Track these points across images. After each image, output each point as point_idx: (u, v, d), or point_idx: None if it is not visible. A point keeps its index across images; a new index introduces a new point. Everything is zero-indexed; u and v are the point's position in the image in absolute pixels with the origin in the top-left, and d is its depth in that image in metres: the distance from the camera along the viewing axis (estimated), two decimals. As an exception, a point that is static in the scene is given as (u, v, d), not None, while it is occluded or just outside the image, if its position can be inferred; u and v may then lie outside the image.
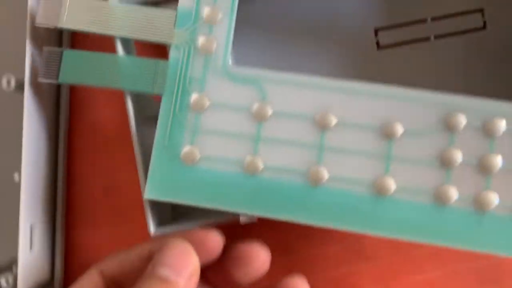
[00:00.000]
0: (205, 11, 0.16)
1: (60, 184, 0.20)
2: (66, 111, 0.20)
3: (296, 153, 0.16)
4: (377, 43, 0.19)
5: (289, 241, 0.20)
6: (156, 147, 0.16)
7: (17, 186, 0.17)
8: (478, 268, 0.20)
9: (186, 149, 0.16)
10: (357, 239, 0.20)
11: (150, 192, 0.16)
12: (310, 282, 0.20)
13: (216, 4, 0.16)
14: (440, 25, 0.19)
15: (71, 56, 0.17)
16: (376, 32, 0.19)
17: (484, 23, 0.19)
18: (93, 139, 0.20)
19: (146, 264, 0.15)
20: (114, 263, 0.16)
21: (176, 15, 0.16)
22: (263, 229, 0.20)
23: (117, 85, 0.16)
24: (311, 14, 0.20)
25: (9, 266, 0.18)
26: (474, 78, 0.19)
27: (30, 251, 0.19)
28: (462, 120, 0.15)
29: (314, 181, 0.16)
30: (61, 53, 0.17)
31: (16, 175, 0.17)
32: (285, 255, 0.20)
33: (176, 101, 0.16)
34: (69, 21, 0.17)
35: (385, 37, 0.19)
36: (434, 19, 0.19)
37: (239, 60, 0.19)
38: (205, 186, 0.16)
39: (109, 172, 0.20)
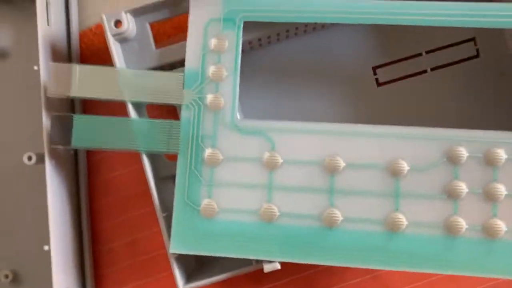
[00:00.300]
0: (211, 70, 0.17)
1: (86, 244, 0.21)
2: (85, 173, 0.21)
3: (309, 198, 0.17)
4: (377, 81, 0.20)
5: (312, 277, 0.21)
6: (176, 203, 0.17)
7: (48, 255, 0.18)
8: (495, 285, 0.20)
9: (205, 203, 0.17)
10: (376, 270, 0.21)
11: (174, 247, 0.17)
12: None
13: (220, 63, 0.17)
14: (435, 57, 0.20)
15: (82, 121, 0.18)
16: (374, 70, 0.20)
17: (477, 51, 0.20)
18: (113, 198, 0.21)
19: None
20: None
21: (183, 76, 0.18)
22: (277, 273, 0.20)
23: (133, 147, 0.17)
24: (311, 58, 0.20)
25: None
26: (473, 106, 0.20)
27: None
28: (464, 153, 0.16)
29: (329, 224, 0.16)
30: (72, 118, 0.18)
31: (46, 247, 0.18)
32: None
33: (191, 158, 0.17)
34: (80, 90, 0.17)
35: (384, 74, 0.20)
36: (428, 52, 0.20)
37: (247, 112, 0.20)
38: (226, 237, 0.17)
39: (131, 229, 0.21)
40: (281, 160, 0.17)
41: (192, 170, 0.17)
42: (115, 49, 0.18)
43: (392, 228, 0.16)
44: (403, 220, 0.16)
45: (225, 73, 0.17)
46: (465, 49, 0.20)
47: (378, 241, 0.16)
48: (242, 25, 0.18)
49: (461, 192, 0.16)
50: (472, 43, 0.20)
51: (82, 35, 0.22)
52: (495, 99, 0.20)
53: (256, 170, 0.17)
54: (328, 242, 0.16)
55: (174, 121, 0.17)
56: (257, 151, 0.17)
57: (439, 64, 0.20)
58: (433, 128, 0.16)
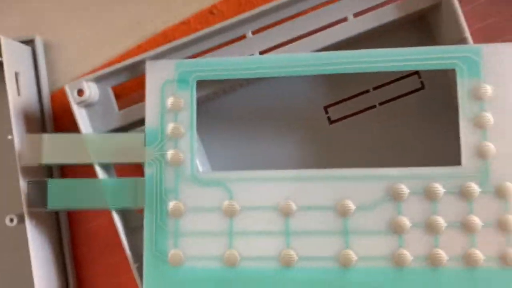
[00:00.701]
0: (169, 128, 0.19)
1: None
2: (66, 226, 0.23)
3: (266, 241, 0.18)
4: (329, 119, 0.22)
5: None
6: (146, 255, 0.18)
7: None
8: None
9: (171, 252, 0.18)
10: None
11: (147, 295, 0.18)
12: None
13: (177, 121, 0.19)
14: (383, 92, 0.22)
15: (55, 185, 0.19)
16: (326, 109, 0.22)
17: (422, 83, 0.22)
18: (94, 246, 0.23)
19: None
20: None
21: (145, 136, 0.19)
22: None
23: (103, 206, 0.19)
24: (266, 103, 0.22)
25: None
26: (421, 137, 0.21)
27: None
28: (405, 190, 0.18)
29: (286, 264, 0.18)
30: (46, 183, 0.19)
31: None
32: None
33: (156, 211, 0.19)
34: (50, 157, 0.19)
35: (335, 112, 0.22)
36: (375, 88, 0.22)
37: (213, 159, 0.22)
38: (193, 282, 0.18)
39: (114, 274, 0.23)
40: (239, 208, 0.18)
41: (158, 223, 0.19)
42: (80, 115, 0.20)
43: (344, 264, 0.18)
44: (353, 255, 0.18)
45: (182, 130, 0.19)
46: (410, 82, 0.22)
47: (332, 276, 0.18)
48: (195, 85, 0.19)
49: (405, 226, 0.17)
50: (416, 76, 0.22)
51: (53, 97, 0.23)
52: (442, 129, 0.21)
53: (217, 218, 0.18)
54: (286, 280, 0.18)
55: (139, 178, 0.19)
56: (216, 200, 0.19)
57: (387, 98, 0.22)
58: (375, 169, 0.18)
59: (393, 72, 0.21)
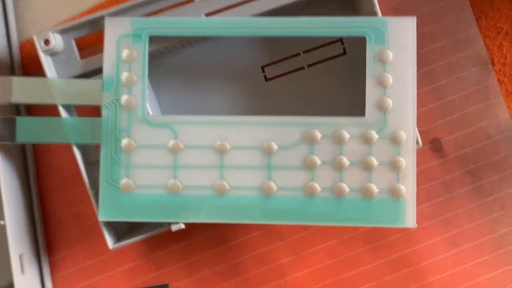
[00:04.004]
0: (124, 76, 0.22)
1: (37, 217, 0.26)
2: (32, 158, 0.26)
3: (204, 173, 0.22)
4: (265, 77, 0.25)
5: (217, 234, 0.26)
6: (102, 182, 0.22)
7: (4, 228, 0.23)
8: (364, 232, 0.26)
9: (123, 181, 0.22)
10: (272, 224, 0.26)
11: (102, 216, 0.22)
12: (239, 261, 0.26)
13: (131, 70, 0.22)
14: (311, 56, 0.25)
15: (24, 122, 0.22)
16: (263, 68, 0.25)
17: (344, 49, 0.25)
18: (57, 179, 0.26)
19: None
20: None
21: (102, 82, 0.22)
22: (193, 232, 0.26)
23: (65, 141, 0.22)
24: (211, 60, 0.25)
25: (8, 289, 0.24)
26: (337, 96, 0.25)
27: (23, 274, 0.24)
28: (318, 134, 0.21)
29: (220, 192, 0.22)
30: (15, 119, 0.22)
31: (1, 222, 0.23)
32: (217, 246, 0.26)
33: (111, 147, 0.22)
34: (18, 98, 0.22)
35: (270, 71, 0.25)
36: (305, 51, 0.25)
37: (164, 104, 0.25)
38: (142, 206, 0.22)
39: (75, 202, 0.26)
40: (182, 146, 0.22)
41: (113, 157, 0.22)
42: (46, 62, 0.22)
43: (267, 192, 0.21)
44: (274, 186, 0.21)
45: (135, 78, 0.22)
46: (334, 48, 0.25)
47: (256, 203, 0.22)
48: (147, 39, 0.22)
49: (316, 163, 0.21)
50: (340, 43, 0.25)
51: (22, 46, 0.26)
52: (358, 88, 0.25)
53: (163, 155, 0.22)
54: (219, 205, 0.22)
55: (96, 118, 0.22)
56: (163, 139, 0.22)
57: (314, 61, 0.25)
58: (294, 116, 0.22)
59: (321, 37, 0.25)
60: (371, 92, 0.22)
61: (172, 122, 0.22)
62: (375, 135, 0.21)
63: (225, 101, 0.25)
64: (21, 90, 0.22)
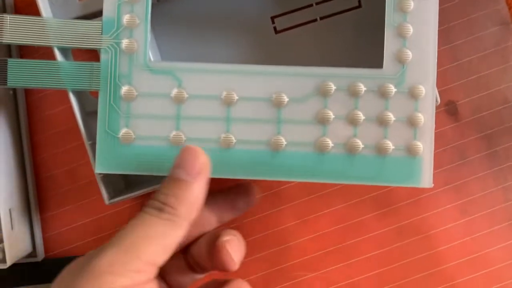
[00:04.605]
0: (125, 18, 0.20)
1: (28, 173, 0.24)
2: (24, 110, 0.24)
3: (210, 126, 0.20)
4: (275, 29, 0.24)
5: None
6: (99, 132, 0.20)
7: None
8: (372, 197, 0.25)
9: (123, 131, 0.20)
10: (277, 186, 0.25)
11: (99, 168, 0.21)
12: (241, 224, 0.25)
13: (133, 12, 0.20)
14: (324, 8, 0.24)
15: (16, 64, 0.21)
16: (272, 19, 0.24)
17: (359, 2, 0.24)
18: (52, 132, 0.25)
19: None
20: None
21: (102, 24, 0.20)
22: None
23: (60, 86, 0.20)
24: (219, 8, 0.24)
25: (-2, 243, 0.22)
26: (354, 48, 0.24)
27: (12, 229, 0.23)
28: (332, 86, 0.20)
29: (226, 146, 0.20)
30: (6, 62, 0.21)
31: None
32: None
33: (110, 94, 0.20)
34: (10, 37, 0.20)
35: (281, 23, 0.24)
36: (318, 3, 0.24)
37: (166, 55, 0.24)
38: (141, 158, 0.20)
39: (69, 158, 0.25)
40: (186, 95, 0.20)
41: (111, 105, 0.20)
42: (41, 2, 0.21)
43: (275, 147, 0.20)
44: (283, 141, 0.20)
45: (137, 21, 0.20)
46: (349, 0, 0.24)
47: (264, 158, 0.20)
48: (151, -20, 0.20)
49: (329, 118, 0.20)
50: (355, -5, 0.24)
51: (15, -12, 0.24)
52: (372, 42, 0.23)
53: (166, 104, 0.20)
54: (225, 160, 0.20)
55: (95, 63, 0.20)
56: (166, 88, 0.20)
57: (328, 13, 0.24)
58: (307, 67, 0.20)
59: (335, -11, 0.23)
60: (389, 43, 0.20)
61: (176, 69, 0.20)
62: (392, 88, 0.20)
63: (230, 53, 0.24)
64: (14, 29, 0.20)
